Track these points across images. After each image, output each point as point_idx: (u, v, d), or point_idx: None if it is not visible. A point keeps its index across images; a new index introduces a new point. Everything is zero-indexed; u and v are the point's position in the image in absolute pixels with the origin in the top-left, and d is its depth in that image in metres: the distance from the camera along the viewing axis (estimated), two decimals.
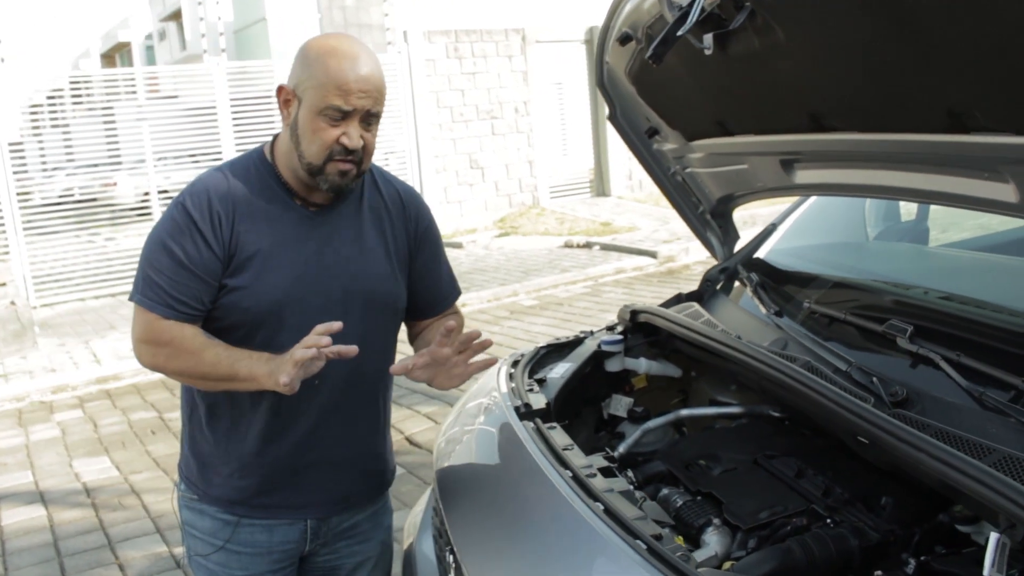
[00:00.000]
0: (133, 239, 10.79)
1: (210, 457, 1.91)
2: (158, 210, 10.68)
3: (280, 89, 1.80)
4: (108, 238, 10.91)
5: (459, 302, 2.17)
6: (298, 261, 1.81)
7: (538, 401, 2.01)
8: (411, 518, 2.33)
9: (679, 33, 1.67)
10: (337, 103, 1.70)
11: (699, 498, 1.77)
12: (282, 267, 1.80)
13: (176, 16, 19.30)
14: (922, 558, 1.55)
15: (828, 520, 1.65)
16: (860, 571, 1.55)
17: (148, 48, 24.92)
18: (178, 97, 12.03)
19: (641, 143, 2.56)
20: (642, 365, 2.43)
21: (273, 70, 11.26)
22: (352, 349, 1.67)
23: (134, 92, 11.37)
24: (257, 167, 1.87)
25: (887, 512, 1.65)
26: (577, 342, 2.51)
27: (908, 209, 2.81)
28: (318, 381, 1.76)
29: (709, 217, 2.63)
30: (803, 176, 2.09)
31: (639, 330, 2.49)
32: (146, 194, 11.05)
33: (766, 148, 2.10)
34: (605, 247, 10.77)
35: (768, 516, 1.67)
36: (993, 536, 1.24)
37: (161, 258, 1.77)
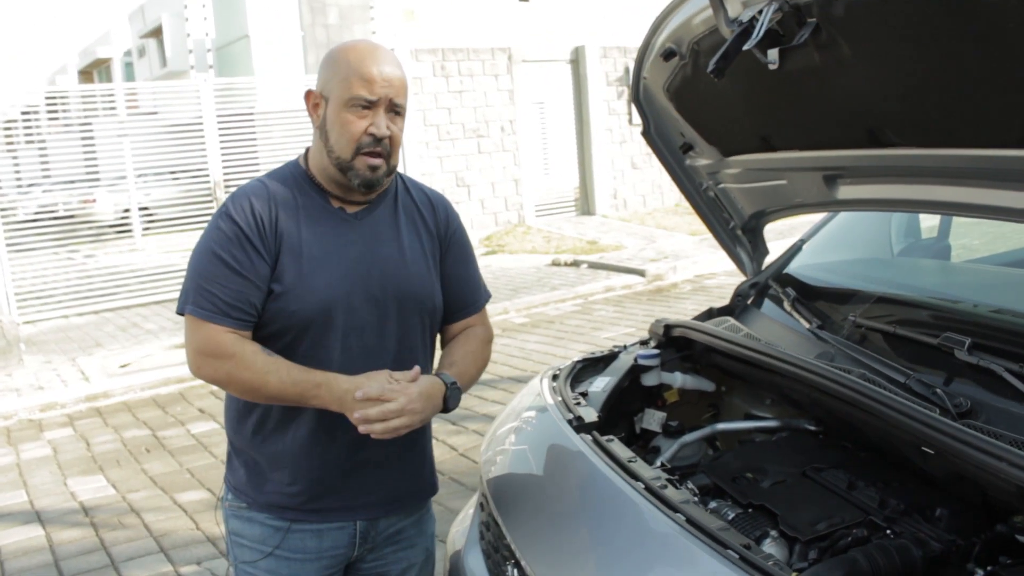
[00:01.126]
0: (114, 256, 10.69)
1: (259, 464, 1.92)
2: (139, 227, 10.59)
3: (308, 94, 1.87)
4: (88, 255, 10.79)
5: None
6: (342, 262, 1.85)
7: (589, 414, 2.02)
8: (451, 535, 2.31)
9: (744, 48, 1.68)
10: (362, 92, 1.77)
11: (750, 510, 1.77)
12: (327, 268, 1.83)
13: (157, 33, 19.19)
14: (989, 568, 1.56)
15: (888, 531, 1.66)
16: None
17: (127, 64, 24.76)
18: (158, 113, 11.94)
19: (674, 158, 2.58)
20: (677, 379, 2.44)
21: (257, 87, 11.24)
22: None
23: (113, 108, 11.28)
24: (295, 174, 1.92)
25: (944, 523, 1.66)
26: (612, 356, 2.52)
27: (927, 226, 2.85)
28: None
29: (740, 232, 2.65)
30: (847, 192, 2.11)
31: (671, 344, 2.50)
32: (126, 211, 10.95)
33: (810, 163, 2.12)
34: (593, 265, 10.81)
35: (827, 527, 1.67)
36: None
37: (212, 268, 1.80)
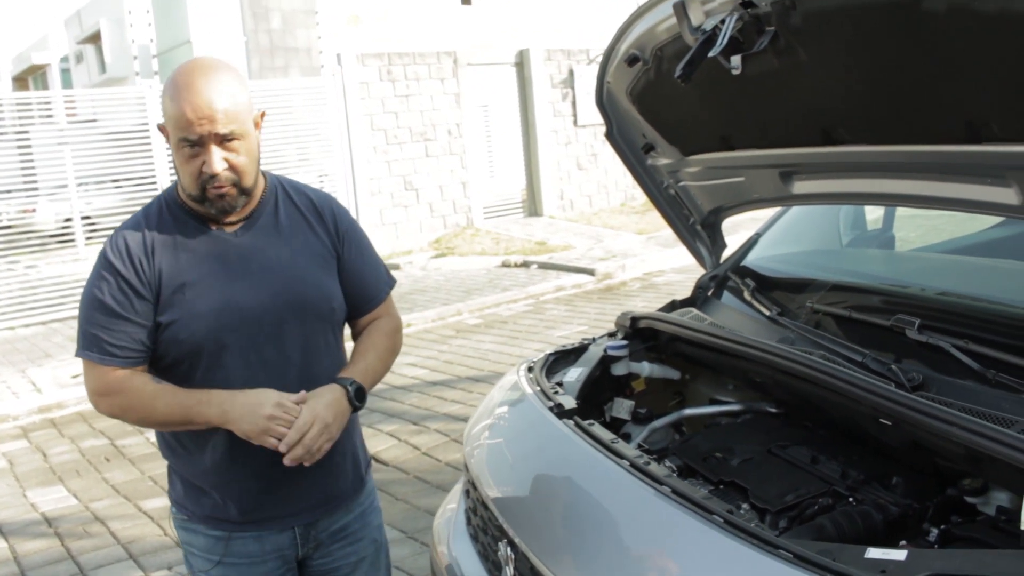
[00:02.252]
0: (57, 266, 10.49)
1: (188, 480, 1.97)
2: (81, 236, 10.43)
3: (161, 128, 1.84)
4: (29, 265, 10.58)
5: (404, 322, 2.22)
6: (226, 283, 1.87)
7: (568, 401, 2.13)
8: (436, 527, 2.40)
9: (710, 55, 1.81)
10: (184, 135, 1.75)
11: (722, 487, 1.90)
12: (210, 292, 1.85)
13: (95, 39, 18.81)
14: (942, 527, 1.71)
15: (850, 499, 1.80)
16: (885, 542, 1.70)
17: (64, 71, 24.24)
18: (97, 120, 11.74)
19: (636, 159, 2.71)
20: (645, 368, 2.56)
21: None
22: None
23: (50, 115, 11.07)
24: (168, 204, 1.93)
25: (900, 489, 1.81)
26: (582, 348, 2.63)
27: (872, 218, 3.03)
28: None
29: (699, 228, 2.78)
30: (801, 187, 2.26)
31: (637, 336, 2.63)
32: (68, 220, 10.76)
33: (767, 161, 2.26)
34: (543, 266, 10.94)
35: (794, 498, 1.81)
36: None
37: (94, 312, 1.84)
